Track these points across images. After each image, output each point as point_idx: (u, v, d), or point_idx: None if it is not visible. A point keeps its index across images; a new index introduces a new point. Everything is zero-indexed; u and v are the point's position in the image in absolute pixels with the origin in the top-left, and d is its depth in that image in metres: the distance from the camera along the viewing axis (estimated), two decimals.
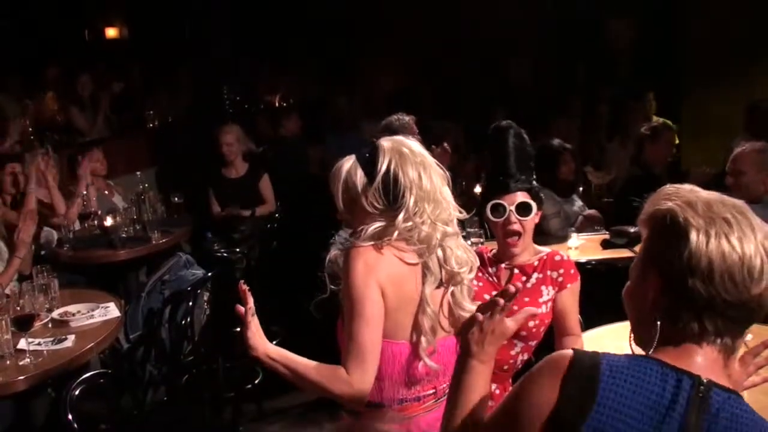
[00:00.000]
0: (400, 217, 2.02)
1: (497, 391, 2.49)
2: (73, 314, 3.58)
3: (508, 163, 2.64)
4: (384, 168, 2.04)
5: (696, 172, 5.23)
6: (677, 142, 6.54)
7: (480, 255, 2.55)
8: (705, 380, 1.27)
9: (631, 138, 5.99)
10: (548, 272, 2.62)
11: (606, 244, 4.56)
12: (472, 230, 4.55)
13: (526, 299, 2.54)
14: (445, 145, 5.19)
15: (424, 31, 8.77)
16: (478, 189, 5.86)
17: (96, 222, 5.34)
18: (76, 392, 2.72)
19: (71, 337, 3.33)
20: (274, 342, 2.18)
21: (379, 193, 2.04)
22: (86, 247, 5.07)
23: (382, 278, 2.01)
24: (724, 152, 5.36)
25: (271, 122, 7.90)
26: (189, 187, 6.25)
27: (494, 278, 2.67)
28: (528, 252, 2.67)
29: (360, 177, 2.08)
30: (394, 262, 2.03)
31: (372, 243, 2.03)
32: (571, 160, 5.09)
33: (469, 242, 4.48)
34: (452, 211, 2.12)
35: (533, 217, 2.63)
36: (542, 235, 4.86)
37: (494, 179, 2.67)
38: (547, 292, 2.59)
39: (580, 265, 4.24)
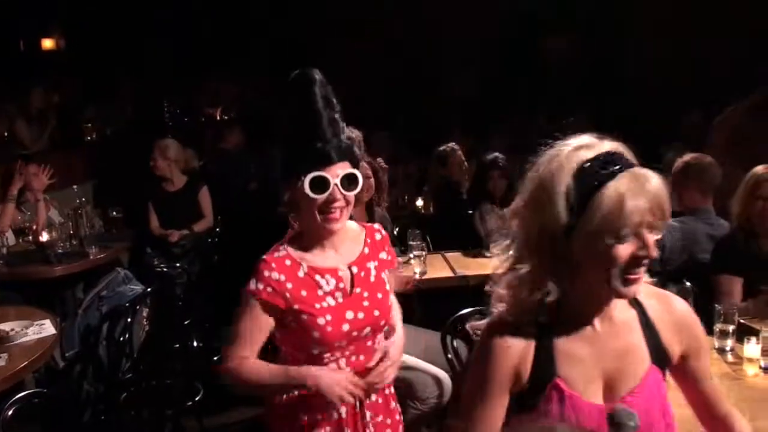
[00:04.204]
0: None
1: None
2: (7, 332, 3.47)
3: (321, 126, 2.16)
4: None
5: None
6: None
7: (281, 262, 2.20)
8: None
9: None
10: (379, 255, 2.36)
11: None
12: (414, 243, 4.57)
13: (379, 295, 2.30)
14: (379, 160, 5.23)
15: (372, 47, 8.84)
16: (419, 202, 5.90)
17: (31, 237, 5.23)
18: (10, 413, 2.64)
19: (4, 356, 3.23)
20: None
21: None
22: (21, 263, 4.95)
23: None
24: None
25: (214, 135, 7.84)
26: (128, 201, 6.16)
27: (335, 284, 2.24)
28: (343, 231, 2.28)
29: None
30: None
31: None
32: (498, 176, 5.12)
33: (411, 255, 4.51)
34: None
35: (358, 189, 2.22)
36: (484, 249, 4.94)
37: (305, 146, 2.16)
38: (386, 277, 2.37)
39: None
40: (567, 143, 1.54)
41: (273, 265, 2.19)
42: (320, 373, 2.16)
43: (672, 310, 1.68)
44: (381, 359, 2.28)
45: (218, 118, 9.09)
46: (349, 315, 2.21)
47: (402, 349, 2.40)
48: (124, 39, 8.98)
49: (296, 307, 2.17)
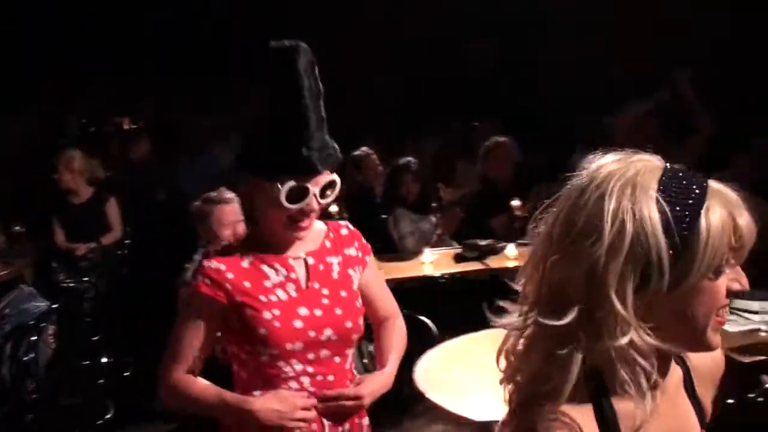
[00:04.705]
0: None
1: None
2: None
3: (309, 129, 1.84)
4: None
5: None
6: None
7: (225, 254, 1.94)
8: None
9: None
10: (345, 251, 2.08)
11: (459, 258, 4.72)
12: None
13: (343, 293, 2.00)
14: None
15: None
16: (334, 207, 5.90)
17: None
18: None
19: None
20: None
21: None
22: None
23: None
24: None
25: (122, 144, 7.67)
26: (31, 215, 5.96)
27: (286, 275, 1.96)
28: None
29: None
30: None
31: None
32: (411, 180, 5.17)
33: None
34: None
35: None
36: (398, 252, 4.98)
37: (286, 149, 1.85)
38: (355, 275, 2.07)
39: (434, 279, 4.42)
40: (600, 165, 1.12)
41: (213, 255, 1.94)
42: (261, 406, 1.87)
43: (709, 357, 1.29)
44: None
45: (126, 126, 8.89)
46: (303, 311, 1.91)
47: (383, 387, 2.06)
48: (29, 45, 8.66)
49: (239, 299, 1.88)
